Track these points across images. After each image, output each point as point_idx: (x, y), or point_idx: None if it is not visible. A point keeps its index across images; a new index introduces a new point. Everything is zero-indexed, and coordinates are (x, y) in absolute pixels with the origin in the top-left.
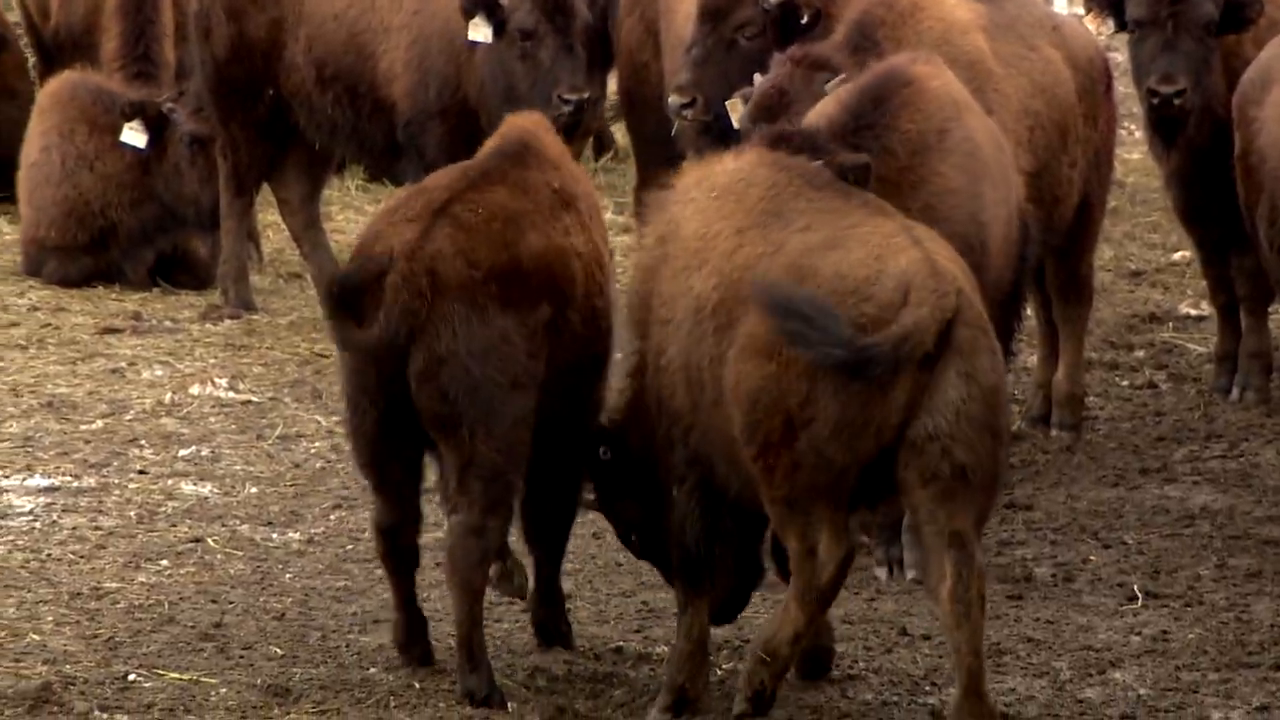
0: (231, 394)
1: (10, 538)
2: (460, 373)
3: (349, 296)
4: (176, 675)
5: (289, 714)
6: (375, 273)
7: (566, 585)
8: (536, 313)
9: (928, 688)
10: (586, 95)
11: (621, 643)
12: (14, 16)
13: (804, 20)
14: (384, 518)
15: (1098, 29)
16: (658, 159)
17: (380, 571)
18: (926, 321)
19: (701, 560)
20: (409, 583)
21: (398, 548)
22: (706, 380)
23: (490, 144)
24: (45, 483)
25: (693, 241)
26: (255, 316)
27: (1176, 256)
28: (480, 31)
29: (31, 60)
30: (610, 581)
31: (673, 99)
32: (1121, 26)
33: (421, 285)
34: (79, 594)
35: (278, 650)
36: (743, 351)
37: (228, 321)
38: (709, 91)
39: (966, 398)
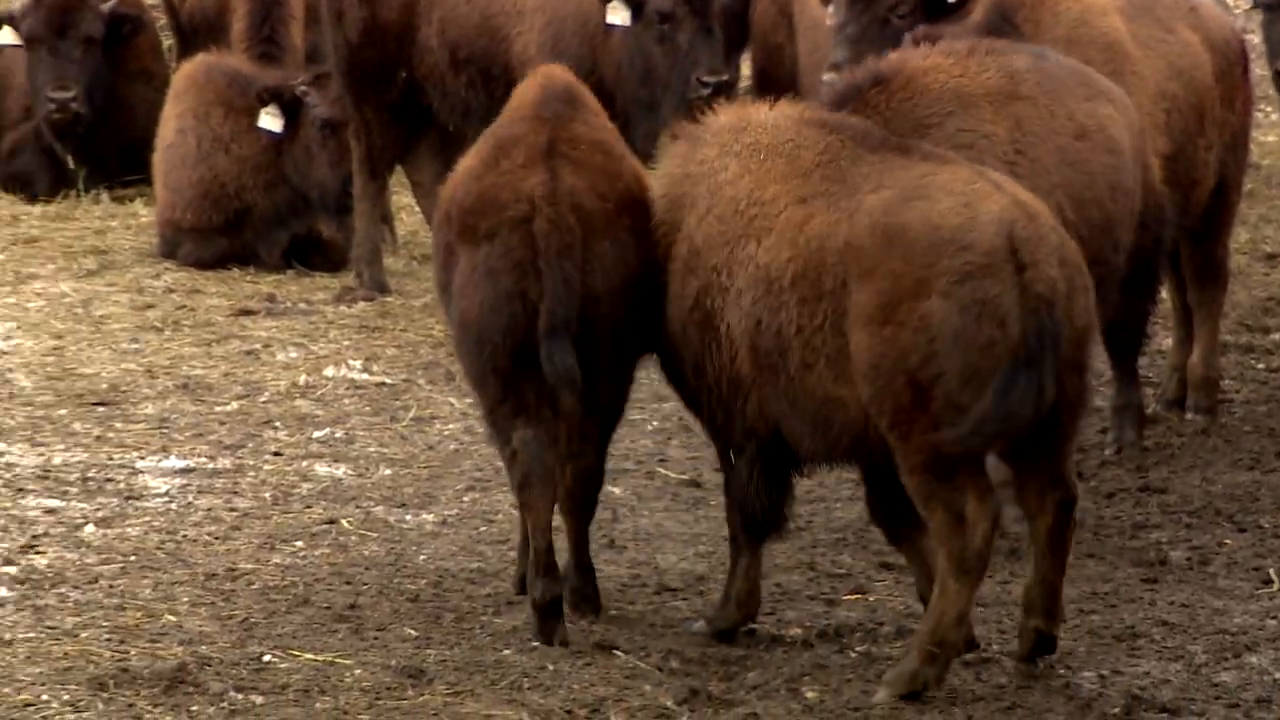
0: (365, 376)
1: (146, 519)
2: (608, 310)
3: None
4: (311, 656)
5: (423, 695)
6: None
7: (700, 568)
8: (648, 243)
9: (1062, 670)
10: (725, 78)
11: (754, 625)
12: None
13: (951, 0)
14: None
15: (1235, 4)
16: None
17: (513, 554)
18: (1054, 276)
19: (762, 522)
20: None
21: (542, 471)
22: (792, 349)
23: (534, 91)
24: (181, 464)
25: (746, 207)
26: (389, 299)
27: None
28: (618, 14)
29: (168, 43)
30: None
31: (828, 76)
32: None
33: (571, 224)
34: (214, 575)
35: (412, 632)
36: (855, 322)
37: (361, 304)
38: None
39: (1073, 339)
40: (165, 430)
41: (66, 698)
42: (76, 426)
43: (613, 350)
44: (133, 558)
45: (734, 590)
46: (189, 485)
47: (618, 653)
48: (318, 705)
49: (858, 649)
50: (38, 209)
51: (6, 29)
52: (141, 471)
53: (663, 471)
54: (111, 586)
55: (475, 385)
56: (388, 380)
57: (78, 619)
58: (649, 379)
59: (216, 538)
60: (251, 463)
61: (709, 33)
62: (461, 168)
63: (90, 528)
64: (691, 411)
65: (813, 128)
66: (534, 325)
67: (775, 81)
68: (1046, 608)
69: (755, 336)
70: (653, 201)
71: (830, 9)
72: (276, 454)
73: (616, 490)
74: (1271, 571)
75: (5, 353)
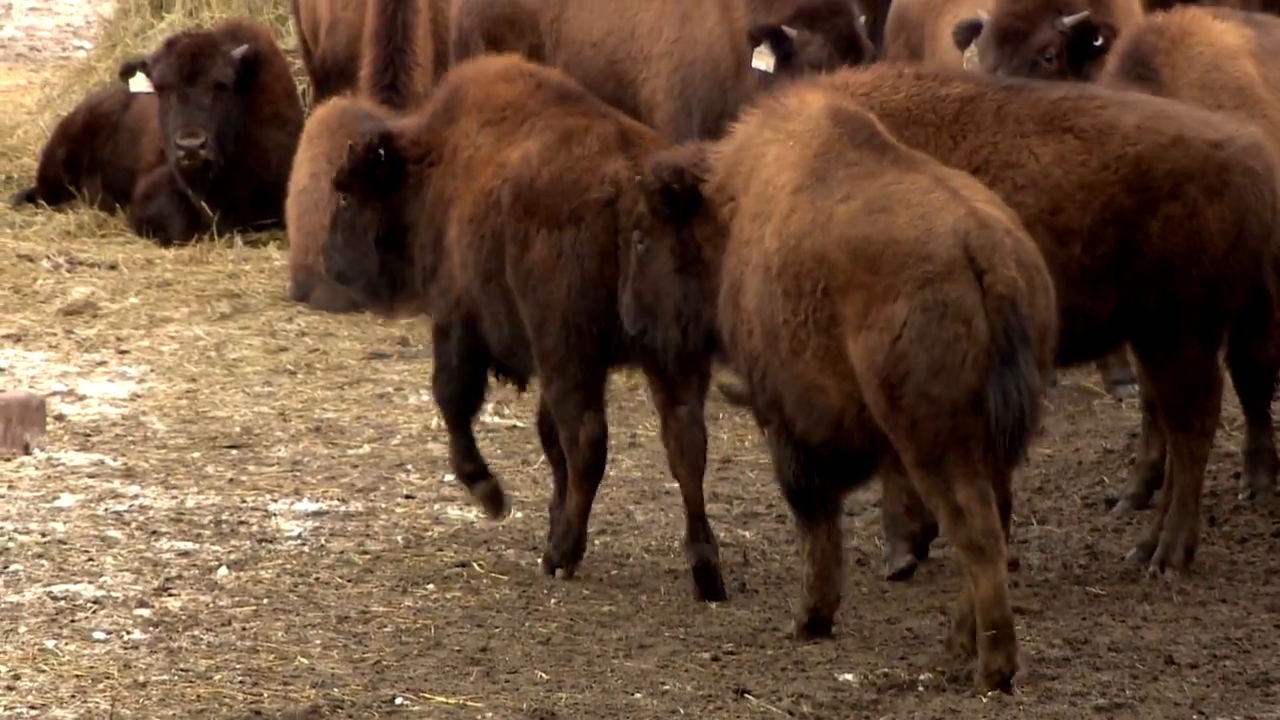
0: (497, 419)
1: (279, 561)
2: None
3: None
4: (443, 699)
5: None
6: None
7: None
8: None
9: (1195, 717)
10: None
11: (887, 669)
12: (291, 43)
13: (1098, 42)
14: (598, 431)
15: None
16: None
17: (644, 597)
18: (1013, 276)
19: (804, 492)
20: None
21: (602, 459)
22: (783, 335)
23: (544, 88)
24: (313, 507)
25: (768, 189)
26: None
27: None
28: (764, 60)
29: (302, 87)
30: (875, 608)
31: None
32: None
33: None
34: (346, 617)
35: (543, 675)
36: (846, 334)
37: None
38: None
39: (1048, 330)
40: (298, 473)
41: None
42: (210, 469)
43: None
44: (265, 600)
45: (806, 576)
46: (321, 528)
47: (749, 697)
48: None
49: (988, 694)
50: (171, 253)
51: (139, 76)
52: (274, 514)
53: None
54: (244, 629)
55: (554, 369)
56: (519, 424)
57: (211, 661)
58: None
59: (349, 580)
60: (384, 505)
61: None
62: (515, 157)
63: (223, 570)
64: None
65: (828, 118)
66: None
67: None
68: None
69: (760, 315)
70: (715, 172)
71: (968, 53)
72: (408, 497)
73: (747, 534)
74: None
75: (140, 396)
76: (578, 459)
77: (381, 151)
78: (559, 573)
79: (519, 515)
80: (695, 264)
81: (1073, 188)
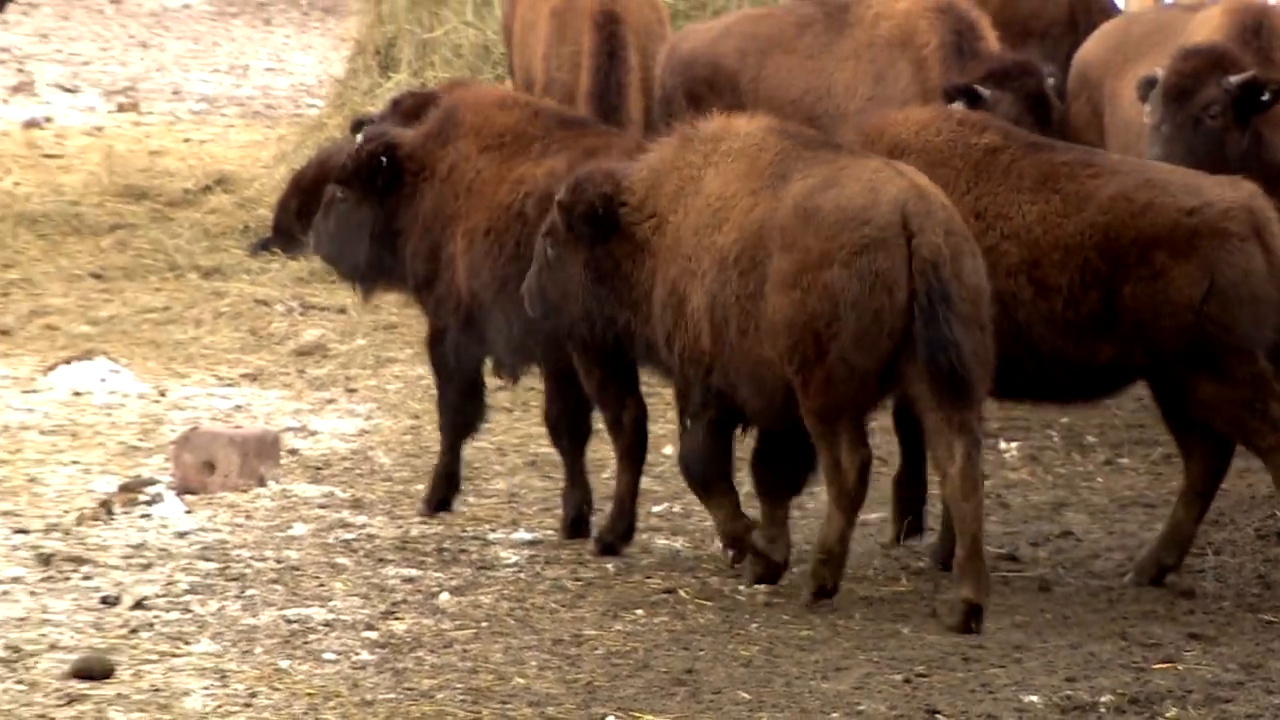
0: (662, 455)
1: (497, 587)
2: None
3: None
4: (651, 718)
5: None
6: None
7: (1015, 637)
8: None
9: None
10: None
11: (1070, 692)
12: None
13: (1264, 98)
14: (639, 412)
15: None
16: None
17: (841, 622)
18: (938, 243)
19: (709, 477)
20: None
21: (645, 439)
22: (733, 317)
23: (542, 115)
24: (529, 536)
25: (715, 201)
26: None
27: None
28: None
29: None
30: (1058, 633)
31: None
32: None
33: None
34: (561, 640)
35: (745, 695)
36: (774, 286)
37: None
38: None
39: (959, 298)
40: (515, 504)
41: None
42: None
43: None
44: (485, 624)
45: (722, 529)
46: (537, 556)
47: (940, 717)
48: None
49: (1167, 715)
50: (394, 297)
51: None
52: (493, 543)
53: None
54: (465, 650)
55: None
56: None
57: (434, 681)
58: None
59: (563, 605)
60: (596, 536)
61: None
62: (539, 174)
63: (445, 595)
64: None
65: (774, 135)
66: None
67: None
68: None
69: (711, 312)
70: (635, 194)
71: (1146, 107)
72: None
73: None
74: None
75: (367, 432)
76: (623, 440)
77: (384, 159)
78: (610, 558)
79: (718, 548)
80: (609, 275)
81: (1049, 246)
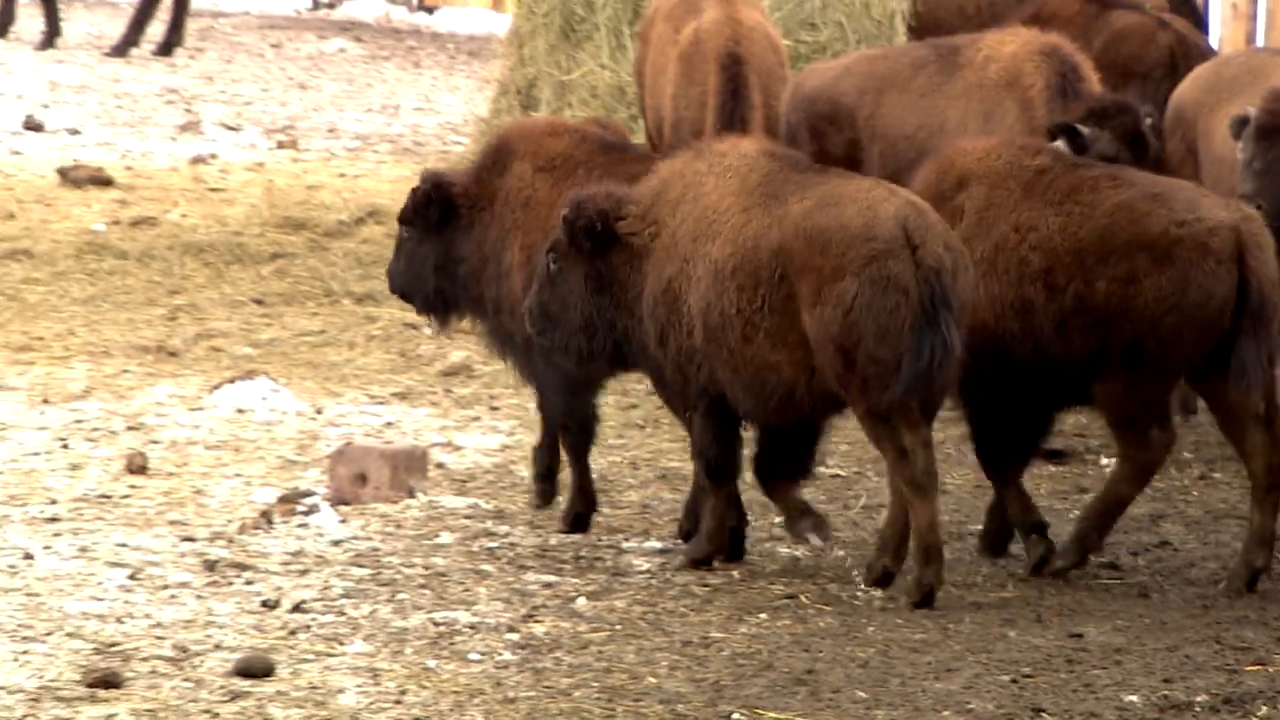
0: (821, 468)
1: (630, 592)
2: None
3: None
4: (774, 715)
5: None
6: None
7: (1118, 640)
8: None
9: None
10: None
11: (1167, 692)
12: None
13: None
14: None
15: None
16: None
17: (951, 626)
18: (941, 253)
19: (721, 463)
20: None
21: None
22: (735, 326)
23: (588, 141)
24: (659, 545)
25: (710, 213)
26: None
27: None
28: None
29: None
30: (1156, 637)
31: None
32: None
33: None
34: (690, 642)
35: (862, 694)
36: (803, 309)
37: None
38: (1270, 199)
39: (958, 306)
40: (647, 515)
41: None
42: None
43: None
44: (618, 626)
45: (706, 528)
46: (667, 564)
47: (1044, 715)
48: None
49: (1259, 714)
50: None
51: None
52: (626, 551)
53: None
54: (600, 651)
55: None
56: (840, 472)
57: (571, 680)
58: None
59: (691, 609)
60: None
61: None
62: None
63: (582, 600)
64: (654, 380)
65: (764, 156)
66: None
67: None
68: (898, 548)
69: (706, 315)
70: (638, 204)
71: (1239, 145)
72: (744, 538)
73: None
74: None
75: (509, 447)
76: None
77: (433, 196)
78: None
79: (840, 553)
80: (608, 283)
81: (1064, 252)
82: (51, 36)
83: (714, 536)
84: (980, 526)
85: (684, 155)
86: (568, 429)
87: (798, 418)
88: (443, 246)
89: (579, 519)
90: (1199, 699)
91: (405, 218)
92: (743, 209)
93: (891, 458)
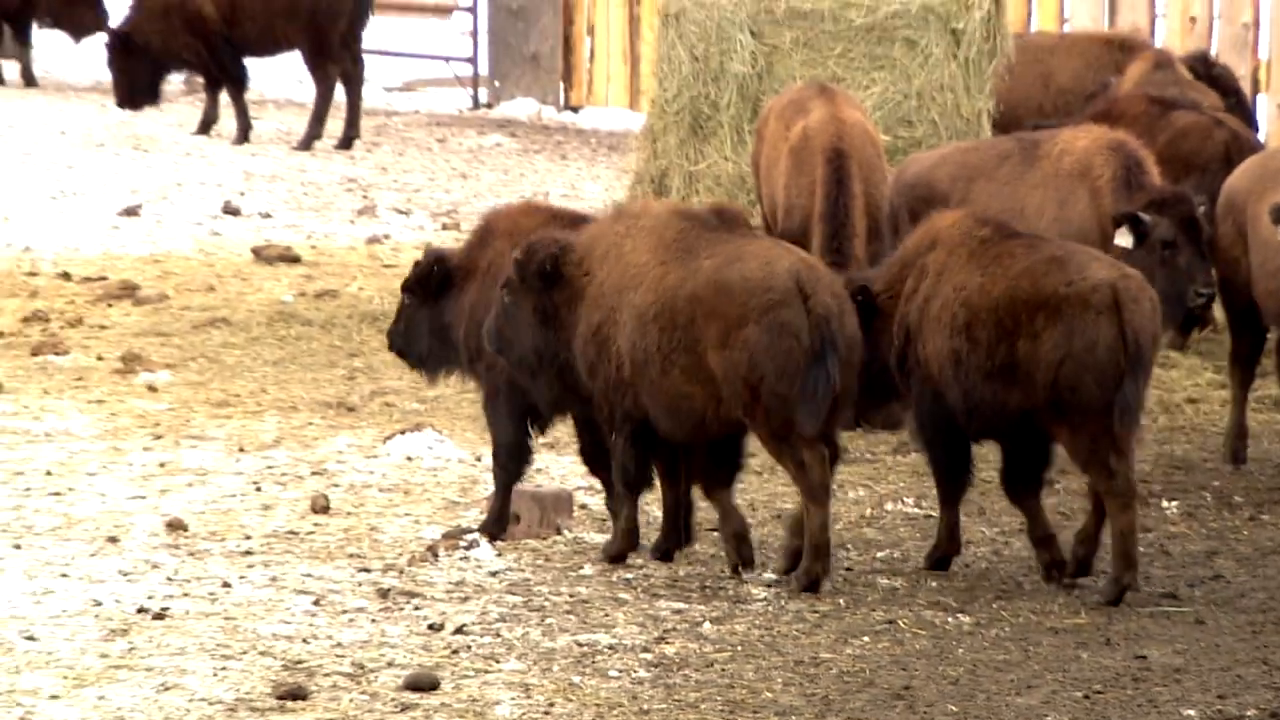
0: (917, 510)
1: (749, 618)
2: None
3: None
4: None
5: None
6: None
7: (1176, 661)
8: None
9: None
10: (1212, 291)
11: (1221, 707)
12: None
13: None
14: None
15: None
16: (1245, 330)
17: (1031, 648)
18: (829, 302)
19: (636, 477)
20: None
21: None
22: (655, 362)
23: (558, 218)
24: (775, 577)
25: (632, 266)
26: None
27: None
28: (1125, 238)
29: None
30: (1211, 658)
31: None
32: None
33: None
34: (801, 662)
35: (953, 708)
36: (709, 350)
37: (914, 454)
38: None
39: (843, 347)
40: (764, 551)
41: None
42: (698, 548)
43: None
44: (739, 648)
45: (619, 528)
46: (781, 593)
47: None
48: None
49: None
50: None
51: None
52: (746, 581)
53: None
54: (723, 670)
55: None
56: (934, 514)
57: (698, 694)
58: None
59: (803, 633)
60: (830, 577)
61: (1201, 256)
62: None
63: (707, 624)
64: (589, 409)
65: (677, 217)
66: None
67: (1234, 286)
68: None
69: (632, 354)
70: (576, 253)
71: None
72: (848, 569)
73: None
74: None
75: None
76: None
77: (435, 268)
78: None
79: (933, 584)
80: (551, 317)
81: (980, 308)
82: (245, 132)
83: (626, 536)
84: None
85: (606, 218)
86: (497, 458)
87: (708, 436)
88: (438, 312)
89: (497, 527)
90: (1249, 713)
91: (408, 286)
92: (661, 262)
93: (792, 471)
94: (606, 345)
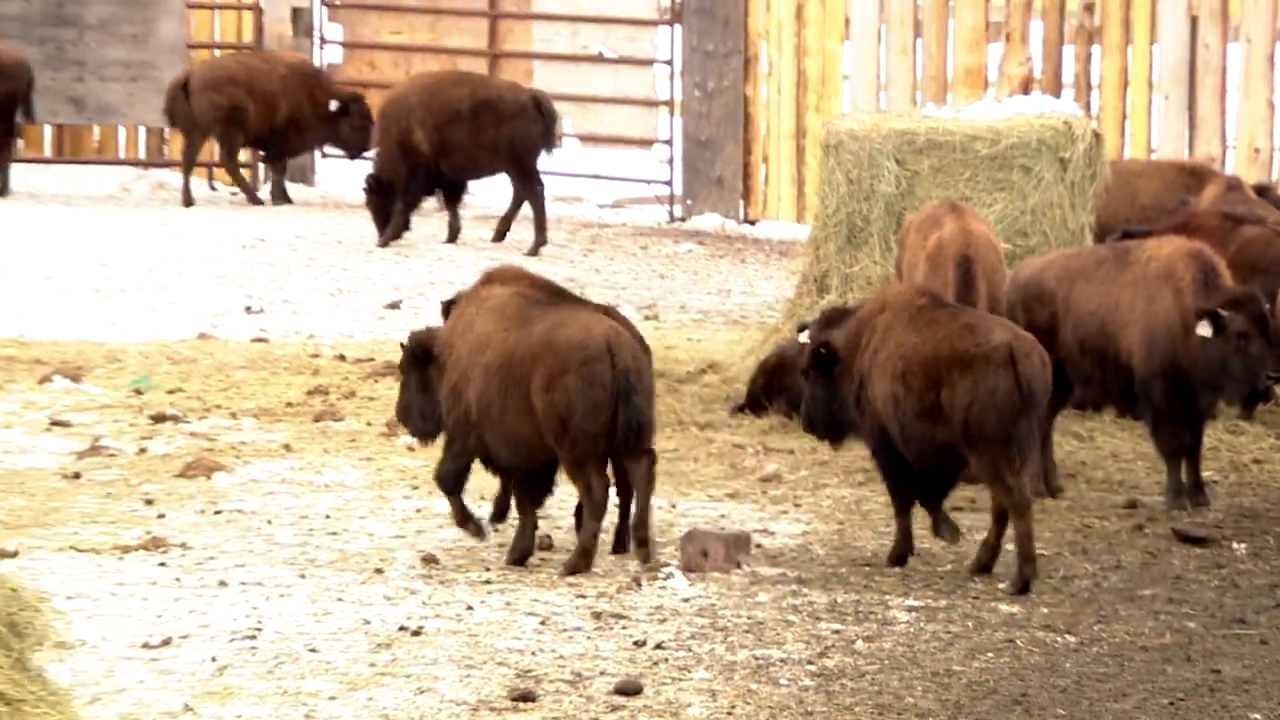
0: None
1: (894, 637)
2: None
3: None
4: None
5: None
6: None
7: (1244, 675)
8: None
9: None
10: (1279, 374)
11: None
12: None
13: None
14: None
15: None
16: None
17: (1125, 661)
18: (629, 359)
19: (451, 488)
20: None
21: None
22: (495, 406)
23: (539, 287)
24: (916, 603)
25: (480, 335)
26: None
27: None
28: (1206, 330)
29: None
30: (1275, 673)
31: None
32: None
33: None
34: (937, 673)
35: (1061, 711)
36: (535, 394)
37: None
38: None
39: (640, 392)
40: (907, 582)
41: None
42: (852, 579)
43: None
44: (886, 661)
45: (454, 519)
46: (920, 616)
47: None
48: None
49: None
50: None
51: (804, 332)
52: (891, 607)
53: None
54: (872, 680)
55: None
56: (1045, 551)
57: (853, 699)
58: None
59: (938, 649)
60: (960, 603)
61: (1268, 343)
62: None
63: (860, 642)
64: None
65: (517, 296)
66: None
67: None
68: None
69: (479, 402)
70: (442, 335)
71: None
72: (975, 598)
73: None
74: None
75: (808, 533)
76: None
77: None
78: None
79: (1044, 610)
80: (427, 387)
81: (914, 362)
82: (454, 235)
83: (462, 522)
84: (1147, 591)
85: (464, 300)
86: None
87: (531, 464)
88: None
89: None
90: None
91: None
92: (503, 330)
93: (581, 491)
94: (461, 397)
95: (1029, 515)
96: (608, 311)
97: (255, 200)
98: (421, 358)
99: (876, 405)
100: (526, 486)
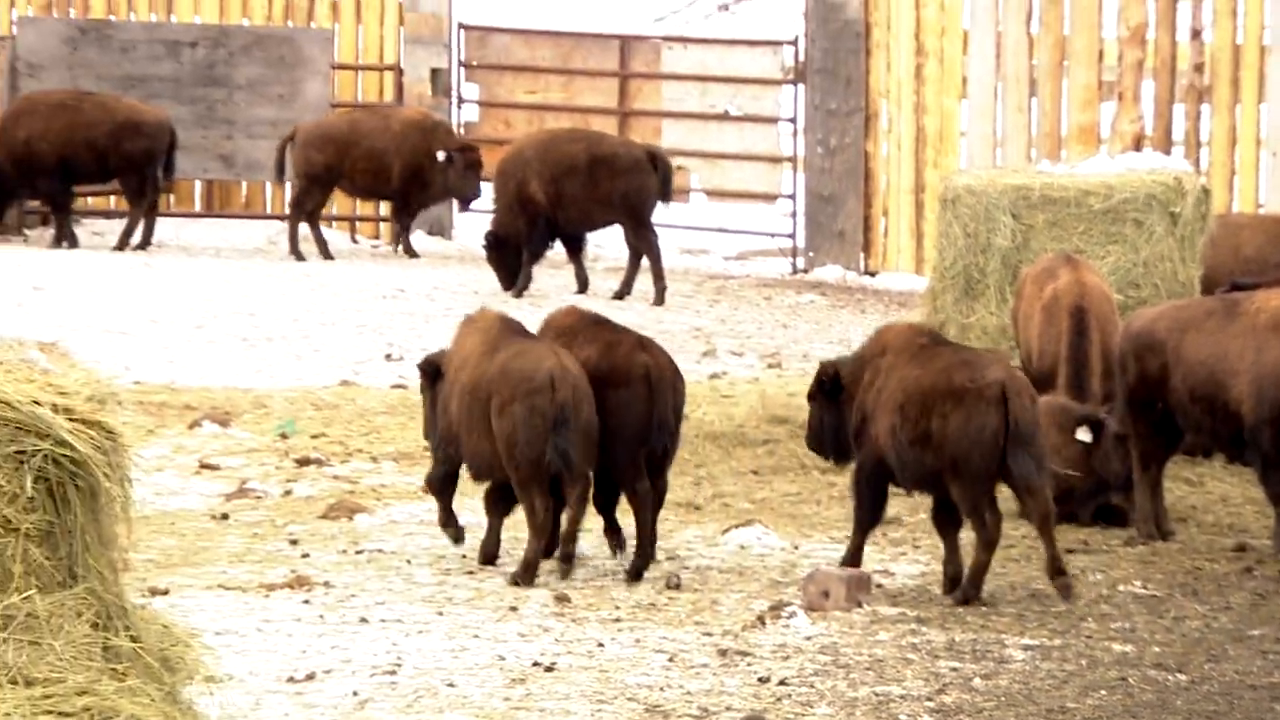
0: (1143, 590)
1: (1011, 674)
2: None
3: None
4: None
5: None
6: None
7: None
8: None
9: None
10: None
11: None
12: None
13: None
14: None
15: None
16: None
17: (1236, 701)
18: (568, 394)
19: (440, 489)
20: None
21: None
22: (465, 425)
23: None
24: (1032, 642)
25: (462, 361)
26: (1146, 546)
27: None
28: None
29: None
30: None
31: None
32: None
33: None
34: (1052, 710)
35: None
36: (493, 416)
37: (1140, 546)
38: None
39: (575, 422)
40: (1023, 620)
41: None
42: (969, 618)
43: None
44: (1002, 698)
45: (440, 521)
46: (1036, 655)
47: None
48: None
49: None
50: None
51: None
52: (1008, 645)
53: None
54: (990, 716)
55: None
56: (1157, 593)
57: None
58: None
59: (1053, 687)
60: (1073, 642)
61: None
62: (583, 356)
63: (978, 680)
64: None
65: (499, 321)
66: None
67: None
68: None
69: (457, 417)
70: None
71: None
72: (1088, 637)
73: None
74: None
75: (925, 574)
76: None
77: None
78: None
79: (1156, 650)
80: (435, 403)
81: (912, 395)
82: (583, 287)
83: (444, 524)
84: (1239, 625)
85: (460, 327)
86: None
87: (496, 480)
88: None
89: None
90: None
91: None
92: (481, 354)
93: (526, 509)
94: (448, 410)
95: (991, 552)
96: (642, 343)
97: (327, 256)
98: (433, 376)
99: (879, 442)
100: (496, 496)
